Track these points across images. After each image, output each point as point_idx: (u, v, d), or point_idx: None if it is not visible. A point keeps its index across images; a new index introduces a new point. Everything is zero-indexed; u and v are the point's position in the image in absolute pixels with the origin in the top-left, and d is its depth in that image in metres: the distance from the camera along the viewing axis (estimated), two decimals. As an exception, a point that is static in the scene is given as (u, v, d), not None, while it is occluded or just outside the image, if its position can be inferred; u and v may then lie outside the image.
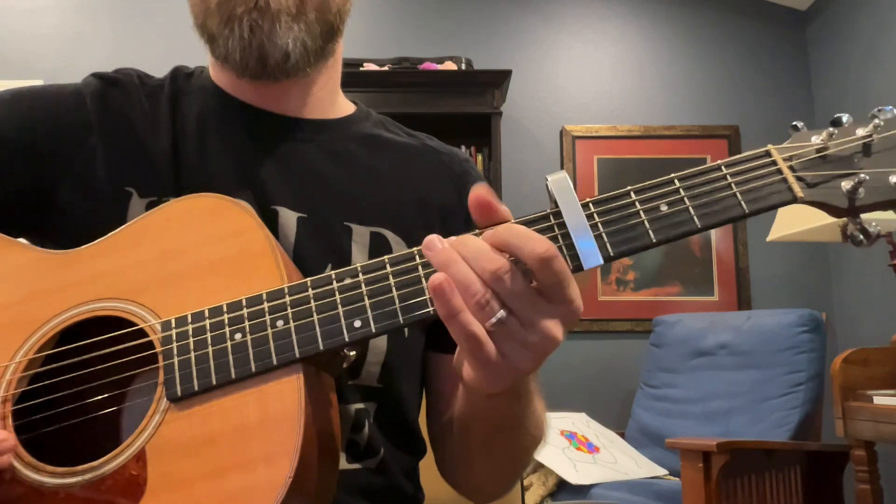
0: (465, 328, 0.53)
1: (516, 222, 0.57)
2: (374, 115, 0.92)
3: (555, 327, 0.54)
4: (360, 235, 0.79)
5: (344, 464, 0.74)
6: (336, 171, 0.82)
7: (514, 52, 3.55)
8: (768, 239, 2.66)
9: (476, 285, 0.53)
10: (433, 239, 0.55)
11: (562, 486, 2.41)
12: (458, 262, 0.54)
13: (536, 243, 0.52)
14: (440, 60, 3.27)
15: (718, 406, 2.69)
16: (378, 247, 0.80)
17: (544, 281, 0.53)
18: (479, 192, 0.56)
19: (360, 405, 0.78)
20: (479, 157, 3.28)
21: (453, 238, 0.55)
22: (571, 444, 2.55)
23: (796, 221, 2.43)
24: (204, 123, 0.81)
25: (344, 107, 0.90)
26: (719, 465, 2.03)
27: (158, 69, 0.90)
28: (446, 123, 3.05)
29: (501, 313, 0.53)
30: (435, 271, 0.54)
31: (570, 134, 3.50)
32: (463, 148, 3.20)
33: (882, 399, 2.09)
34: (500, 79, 3.22)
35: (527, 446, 0.77)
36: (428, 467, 0.86)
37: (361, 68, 3.19)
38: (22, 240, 0.72)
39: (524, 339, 0.54)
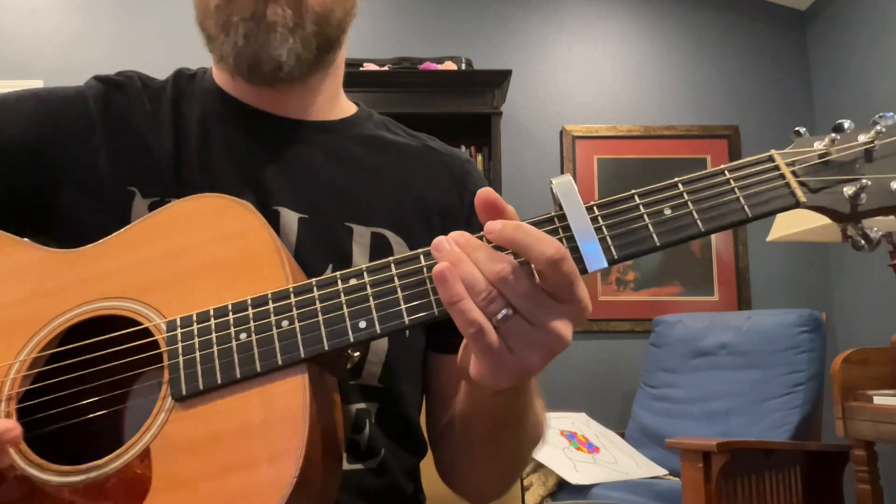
0: (466, 315, 0.53)
1: None
2: (375, 116, 0.92)
3: (563, 327, 0.54)
4: (361, 236, 0.80)
5: (345, 464, 0.74)
6: (337, 172, 0.83)
7: (514, 52, 3.55)
8: (768, 239, 2.66)
9: (481, 284, 0.53)
10: (441, 240, 0.56)
11: (562, 486, 2.41)
12: (464, 262, 0.54)
13: (546, 245, 0.53)
14: (440, 60, 3.27)
15: (718, 406, 2.69)
16: (379, 247, 0.80)
17: (553, 282, 0.53)
18: (486, 192, 0.57)
19: (361, 405, 0.78)
20: (479, 157, 3.28)
21: (461, 239, 0.56)
22: (571, 444, 2.55)
23: (796, 221, 2.43)
24: (206, 124, 0.82)
25: (346, 108, 0.90)
26: (719, 465, 2.03)
27: (158, 69, 0.90)
28: (446, 123, 3.05)
29: (506, 311, 0.53)
30: None
31: (570, 134, 3.50)
32: (463, 148, 3.20)
33: (882, 399, 2.09)
34: (499, 79, 3.22)
35: (526, 445, 0.77)
36: (428, 467, 0.86)
37: (361, 68, 3.19)
38: (26, 239, 0.72)
39: (531, 338, 0.54)
